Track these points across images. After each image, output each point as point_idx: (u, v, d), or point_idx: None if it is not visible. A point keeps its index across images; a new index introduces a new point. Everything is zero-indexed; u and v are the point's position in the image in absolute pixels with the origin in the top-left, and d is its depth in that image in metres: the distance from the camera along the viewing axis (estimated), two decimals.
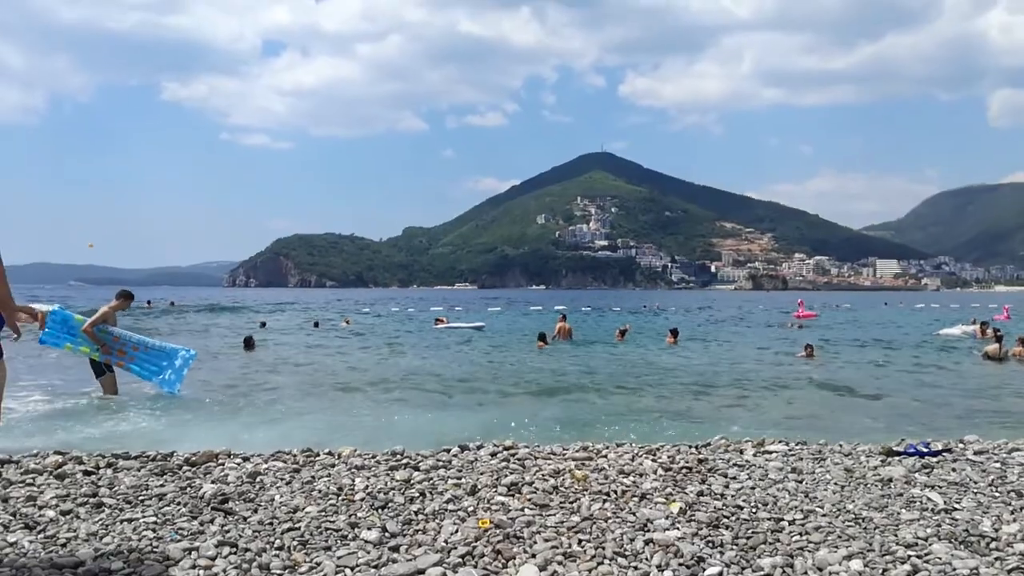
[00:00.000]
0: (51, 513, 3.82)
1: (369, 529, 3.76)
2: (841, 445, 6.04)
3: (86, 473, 4.63)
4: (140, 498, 4.15)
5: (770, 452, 5.79)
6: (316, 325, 29.40)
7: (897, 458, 5.56)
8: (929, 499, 4.45)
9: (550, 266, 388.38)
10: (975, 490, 4.66)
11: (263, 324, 27.39)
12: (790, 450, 5.89)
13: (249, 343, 18.40)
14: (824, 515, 4.15)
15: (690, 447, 5.94)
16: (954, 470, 5.17)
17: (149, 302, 47.89)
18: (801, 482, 4.84)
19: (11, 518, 3.73)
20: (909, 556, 3.57)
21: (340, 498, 4.26)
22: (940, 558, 3.54)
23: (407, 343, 22.89)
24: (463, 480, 4.65)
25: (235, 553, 3.42)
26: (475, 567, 3.39)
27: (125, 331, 10.51)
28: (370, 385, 12.47)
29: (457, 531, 3.77)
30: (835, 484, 4.78)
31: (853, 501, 4.41)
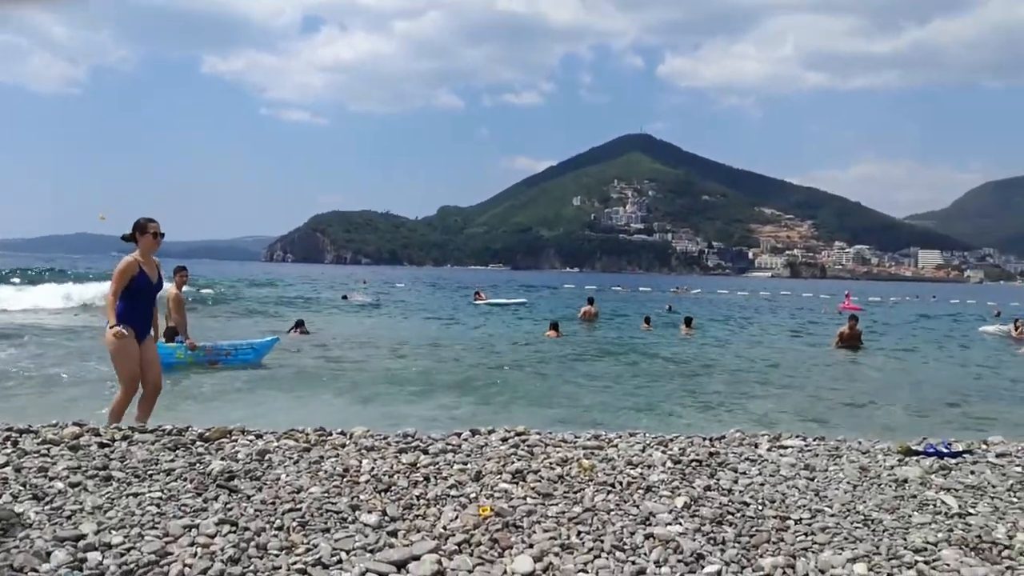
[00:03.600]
0: (60, 485, 3.88)
1: (369, 512, 3.77)
2: (860, 442, 5.89)
3: (101, 445, 4.70)
4: (149, 472, 4.20)
5: (785, 447, 5.66)
6: (344, 298, 33.95)
7: (915, 458, 5.41)
8: (943, 502, 4.32)
9: (585, 249, 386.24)
10: (992, 494, 4.51)
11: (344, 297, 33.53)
12: (807, 445, 5.75)
13: (300, 326, 18.31)
14: (832, 515, 4.06)
15: (704, 439, 5.84)
16: (973, 472, 5.01)
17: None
18: (813, 479, 4.74)
19: (21, 488, 3.81)
20: (916, 561, 3.48)
21: (344, 480, 4.27)
22: (948, 564, 3.45)
23: (441, 319, 22.99)
24: (469, 465, 4.62)
25: (234, 532, 3.44)
26: (471, 555, 3.37)
27: (218, 343, 11.82)
28: (392, 360, 12.56)
29: (457, 518, 3.75)
30: (847, 483, 4.66)
31: (864, 502, 4.31)
